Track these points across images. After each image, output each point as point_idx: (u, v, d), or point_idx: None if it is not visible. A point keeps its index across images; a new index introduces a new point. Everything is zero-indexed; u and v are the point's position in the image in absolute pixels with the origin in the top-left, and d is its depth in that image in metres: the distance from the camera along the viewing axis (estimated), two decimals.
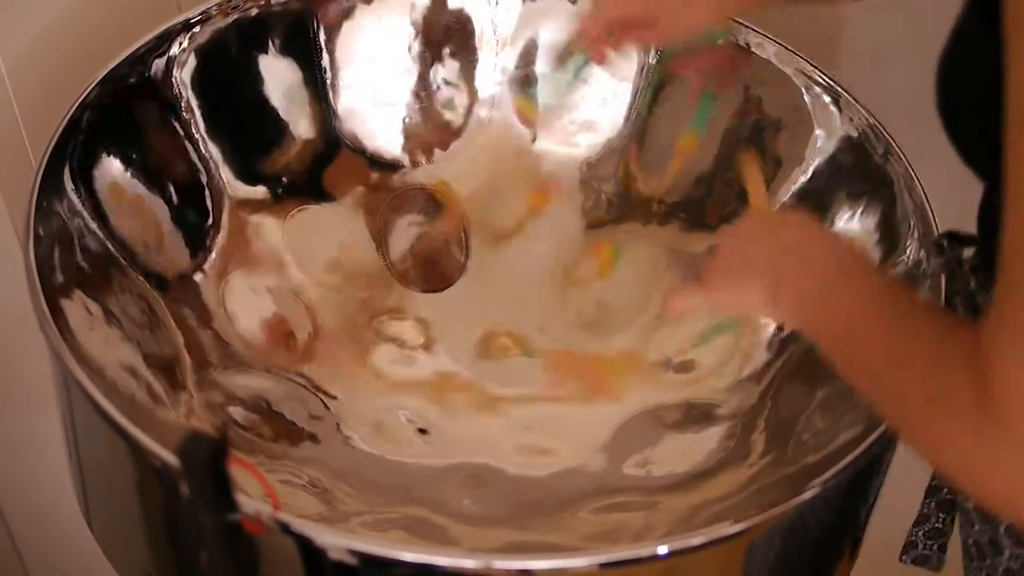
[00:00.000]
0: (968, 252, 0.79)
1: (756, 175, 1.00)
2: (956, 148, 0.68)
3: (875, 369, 0.65)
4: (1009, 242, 0.54)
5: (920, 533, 0.88)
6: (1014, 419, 0.53)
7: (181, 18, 1.03)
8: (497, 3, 1.14)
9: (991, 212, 0.70)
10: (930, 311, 0.68)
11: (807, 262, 0.73)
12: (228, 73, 1.07)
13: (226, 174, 1.06)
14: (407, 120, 1.15)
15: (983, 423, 0.54)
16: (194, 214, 1.04)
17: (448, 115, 1.16)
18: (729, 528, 0.74)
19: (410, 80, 1.14)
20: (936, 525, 0.87)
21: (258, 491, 0.71)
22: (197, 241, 1.03)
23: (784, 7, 1.12)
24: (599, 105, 1.15)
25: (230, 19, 1.06)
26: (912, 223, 0.97)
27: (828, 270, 0.72)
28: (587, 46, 1.04)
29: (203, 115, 1.05)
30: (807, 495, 0.76)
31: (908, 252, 0.97)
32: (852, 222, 1.02)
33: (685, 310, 0.88)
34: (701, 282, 0.83)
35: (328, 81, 1.11)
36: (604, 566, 0.72)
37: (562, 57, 1.10)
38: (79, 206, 0.93)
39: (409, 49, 1.14)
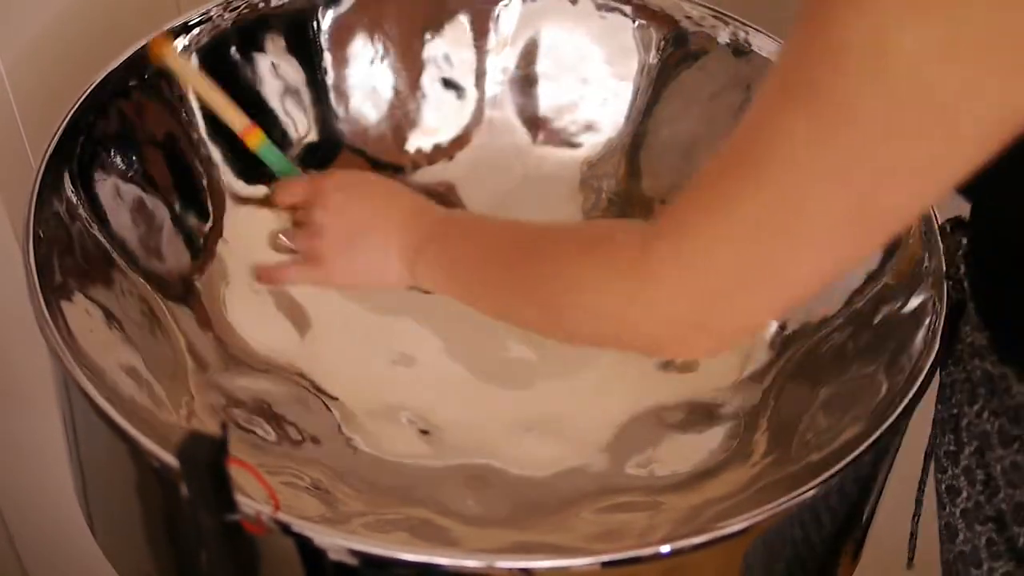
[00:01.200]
0: (966, 239, 0.81)
1: None
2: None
3: (499, 269, 0.75)
4: (722, 150, 0.60)
5: (916, 521, 0.89)
6: (665, 268, 0.61)
7: (181, 19, 1.03)
8: (497, 3, 1.14)
9: (980, 217, 0.71)
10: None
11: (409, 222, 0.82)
12: (228, 74, 1.06)
13: (226, 175, 1.06)
14: (407, 120, 1.15)
15: (639, 271, 0.62)
16: (194, 216, 1.04)
17: (448, 115, 1.16)
18: (732, 527, 0.74)
19: (410, 80, 1.14)
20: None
21: (258, 492, 0.71)
22: (197, 243, 1.03)
23: None
24: (599, 105, 1.15)
25: (230, 19, 1.06)
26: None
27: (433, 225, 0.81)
28: None
29: (203, 116, 1.04)
30: (810, 494, 0.76)
31: (909, 251, 0.97)
32: None
33: (287, 283, 0.92)
34: (312, 267, 0.85)
35: (328, 81, 1.11)
36: (606, 565, 0.72)
37: None
38: (79, 208, 0.93)
39: (409, 49, 1.14)
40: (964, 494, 0.77)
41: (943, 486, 0.80)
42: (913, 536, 0.90)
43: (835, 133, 0.54)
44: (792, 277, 0.60)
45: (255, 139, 0.97)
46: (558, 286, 0.70)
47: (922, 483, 0.89)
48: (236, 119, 0.97)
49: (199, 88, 0.99)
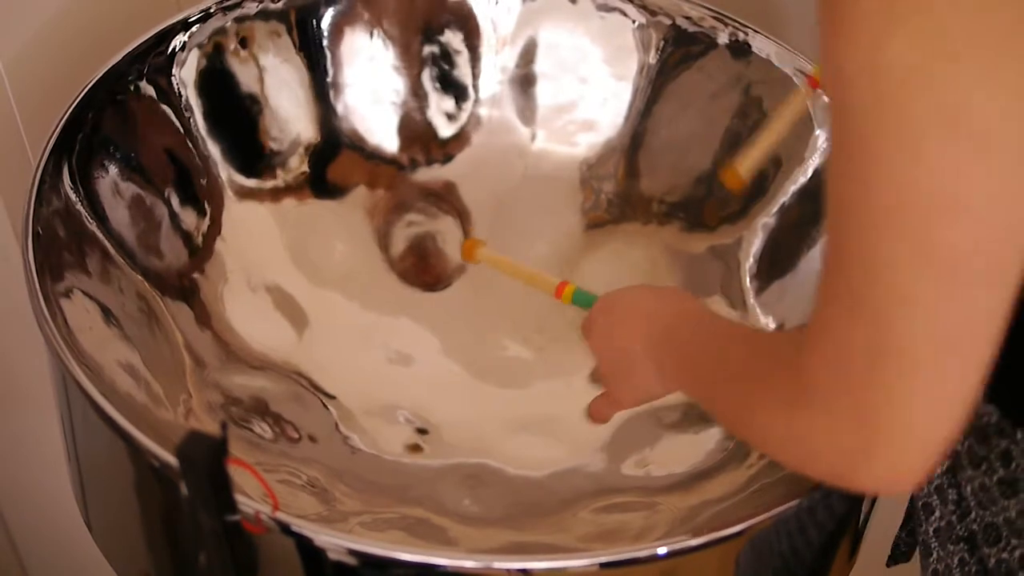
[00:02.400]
0: None
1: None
2: None
3: (712, 380, 0.70)
4: (829, 247, 0.56)
5: (903, 534, 0.89)
6: (820, 397, 0.57)
7: (180, 16, 1.03)
8: (497, 2, 1.14)
9: None
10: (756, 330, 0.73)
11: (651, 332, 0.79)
12: (227, 72, 1.06)
13: (225, 173, 1.06)
14: (407, 119, 1.15)
15: (794, 404, 0.59)
16: (193, 213, 1.04)
17: (448, 114, 1.16)
18: (728, 529, 0.74)
19: (410, 79, 1.14)
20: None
21: (257, 491, 0.71)
22: (196, 240, 1.03)
23: None
24: (599, 105, 1.15)
25: (230, 18, 1.06)
26: None
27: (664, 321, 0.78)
28: None
29: (202, 114, 1.04)
30: (806, 496, 0.76)
31: None
32: None
33: (608, 419, 0.92)
34: (608, 398, 0.87)
35: (328, 80, 1.11)
36: (604, 566, 0.72)
37: None
38: (78, 205, 0.93)
39: (409, 48, 1.14)
40: (937, 513, 0.77)
41: (919, 503, 0.80)
42: (896, 544, 0.90)
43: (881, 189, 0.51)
44: (937, 366, 0.54)
45: (568, 295, 0.95)
46: (743, 419, 0.66)
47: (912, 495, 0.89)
48: (547, 283, 0.97)
49: (515, 272, 1.01)
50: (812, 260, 1.03)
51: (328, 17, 1.11)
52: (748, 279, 1.08)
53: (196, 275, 1.02)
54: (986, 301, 0.54)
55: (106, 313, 0.90)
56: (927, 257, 0.52)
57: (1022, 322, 0.62)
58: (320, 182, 1.11)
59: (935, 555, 0.78)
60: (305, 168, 1.11)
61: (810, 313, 0.58)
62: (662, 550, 0.73)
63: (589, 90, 1.15)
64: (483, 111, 1.16)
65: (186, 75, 1.03)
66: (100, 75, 0.96)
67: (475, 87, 1.16)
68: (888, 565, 0.91)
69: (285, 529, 0.70)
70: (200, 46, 1.04)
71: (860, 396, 0.56)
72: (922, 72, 0.49)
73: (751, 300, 1.07)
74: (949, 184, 0.51)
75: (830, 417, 0.57)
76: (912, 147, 0.51)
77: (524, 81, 1.16)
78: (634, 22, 1.13)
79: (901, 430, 0.56)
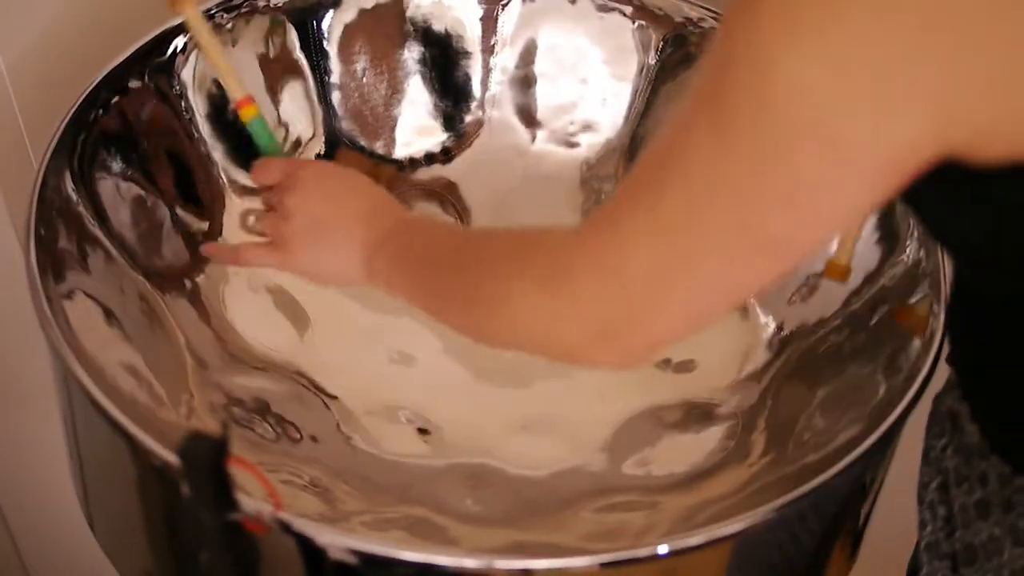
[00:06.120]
0: None
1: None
2: (922, 225, 0.70)
3: (448, 269, 0.75)
4: (645, 152, 0.60)
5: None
6: (579, 273, 0.62)
7: (182, 18, 1.03)
8: (497, 3, 1.14)
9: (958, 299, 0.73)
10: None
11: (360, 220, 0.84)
12: None
13: (226, 173, 1.06)
14: (407, 119, 1.15)
15: (556, 278, 0.63)
16: (194, 214, 1.04)
17: (448, 115, 1.16)
18: (729, 528, 0.74)
19: (410, 79, 1.14)
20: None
21: (259, 491, 0.71)
22: (197, 240, 1.03)
23: None
24: (599, 105, 1.15)
25: (230, 18, 1.06)
26: (912, 222, 0.97)
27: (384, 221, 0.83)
28: None
29: (203, 114, 1.05)
30: (807, 495, 0.76)
31: (908, 251, 0.97)
32: None
33: (244, 264, 0.95)
34: (273, 251, 0.88)
35: (329, 80, 1.11)
36: (604, 566, 0.72)
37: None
38: (80, 206, 0.93)
39: (409, 48, 1.14)
40: (928, 528, 0.78)
41: (919, 516, 0.80)
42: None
43: (730, 146, 0.54)
44: (691, 288, 0.60)
45: (249, 112, 0.94)
46: (483, 295, 0.71)
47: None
48: (235, 88, 0.96)
49: (208, 47, 0.96)
50: (812, 259, 1.03)
51: (328, 18, 1.11)
52: None
53: (197, 275, 1.02)
54: (762, 263, 0.59)
55: (108, 314, 0.90)
56: (743, 228, 0.56)
57: (997, 345, 0.64)
58: None
59: (925, 569, 0.78)
60: None
61: None
62: (662, 549, 0.73)
63: (589, 90, 1.15)
64: (483, 111, 1.16)
65: (187, 76, 1.04)
66: (102, 76, 0.96)
67: (475, 88, 1.16)
68: None
69: (286, 528, 0.70)
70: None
71: (615, 288, 0.61)
72: (810, 92, 0.51)
73: (751, 300, 1.07)
74: (803, 184, 0.54)
75: (585, 299, 0.63)
76: (775, 144, 0.53)
77: (524, 81, 1.16)
78: (634, 23, 1.13)
79: (643, 325, 0.62)
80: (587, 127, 1.16)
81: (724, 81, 0.54)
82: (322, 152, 1.12)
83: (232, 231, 1.05)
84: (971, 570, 0.72)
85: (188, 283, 1.01)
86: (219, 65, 0.95)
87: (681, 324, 0.63)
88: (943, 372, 0.80)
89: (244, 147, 1.07)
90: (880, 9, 0.49)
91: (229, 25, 1.06)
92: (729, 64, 0.54)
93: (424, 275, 0.78)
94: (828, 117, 0.51)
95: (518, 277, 0.67)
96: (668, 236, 0.58)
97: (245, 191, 1.07)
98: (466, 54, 1.15)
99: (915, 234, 0.96)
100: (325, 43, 1.11)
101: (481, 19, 1.15)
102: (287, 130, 1.10)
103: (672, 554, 0.73)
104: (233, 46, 1.07)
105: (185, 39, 1.02)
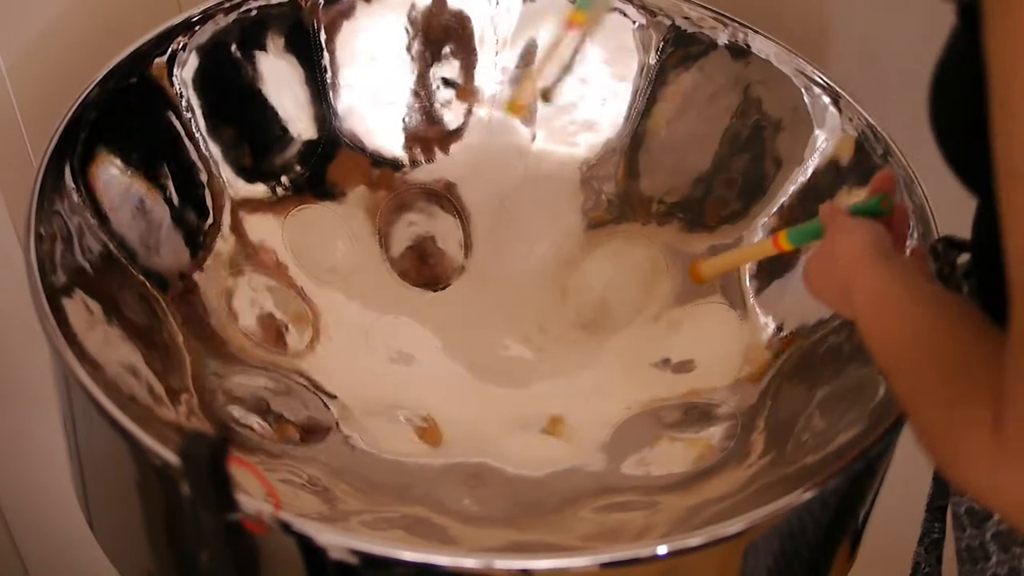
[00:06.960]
0: (962, 258, 0.79)
1: None
2: (949, 165, 0.68)
3: (898, 342, 0.66)
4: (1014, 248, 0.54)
5: (922, 550, 0.88)
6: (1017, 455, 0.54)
7: (182, 17, 1.03)
8: (497, 3, 1.14)
9: (985, 222, 0.70)
10: (954, 297, 0.70)
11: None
12: (228, 72, 1.07)
13: (226, 173, 1.07)
14: (407, 119, 1.15)
15: (1000, 451, 0.55)
16: (194, 213, 1.04)
17: (448, 114, 1.16)
18: (728, 528, 0.74)
19: (410, 79, 1.15)
20: (934, 536, 0.87)
21: (259, 490, 0.71)
22: (197, 240, 1.03)
23: None
24: (599, 105, 1.15)
25: (231, 18, 1.06)
26: (912, 223, 0.97)
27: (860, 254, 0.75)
28: None
29: (203, 114, 1.05)
30: (806, 496, 0.76)
31: (908, 252, 0.97)
32: None
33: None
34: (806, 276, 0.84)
35: (328, 80, 1.12)
36: (604, 566, 0.72)
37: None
38: (80, 205, 0.93)
39: (409, 48, 1.14)
40: (967, 532, 0.77)
41: (962, 544, 0.79)
42: (918, 564, 0.90)
43: None
44: None
45: (783, 239, 0.91)
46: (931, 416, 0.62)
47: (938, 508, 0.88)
48: (764, 248, 0.98)
49: (739, 261, 1.05)
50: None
51: (329, 18, 1.11)
52: (748, 279, 1.08)
53: (197, 274, 1.02)
54: None
55: (107, 313, 0.90)
56: None
57: None
58: (321, 182, 1.12)
59: (994, 559, 0.76)
60: (306, 168, 1.11)
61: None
62: (662, 549, 0.73)
63: (589, 90, 1.15)
64: (483, 111, 1.16)
65: (187, 75, 1.04)
66: (102, 76, 0.96)
67: (475, 88, 1.16)
68: None
69: (286, 528, 0.70)
70: (201, 47, 1.04)
71: None
72: None
73: (751, 300, 1.07)
74: None
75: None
76: None
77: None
78: (634, 23, 1.13)
79: None
80: (587, 127, 1.16)
81: None
82: (322, 152, 1.12)
83: (231, 229, 1.05)
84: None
85: (188, 282, 1.01)
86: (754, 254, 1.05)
87: None
88: None
89: (243, 147, 1.07)
90: None
91: (230, 26, 1.06)
92: None
93: (896, 347, 0.68)
94: None
95: (960, 427, 0.58)
96: None
97: (244, 191, 1.07)
98: (466, 54, 1.15)
99: (915, 234, 0.96)
100: (324, 42, 1.11)
101: (482, 19, 1.15)
102: (287, 130, 1.10)
103: (672, 554, 0.73)
104: (234, 44, 1.07)
105: (185, 39, 1.03)
